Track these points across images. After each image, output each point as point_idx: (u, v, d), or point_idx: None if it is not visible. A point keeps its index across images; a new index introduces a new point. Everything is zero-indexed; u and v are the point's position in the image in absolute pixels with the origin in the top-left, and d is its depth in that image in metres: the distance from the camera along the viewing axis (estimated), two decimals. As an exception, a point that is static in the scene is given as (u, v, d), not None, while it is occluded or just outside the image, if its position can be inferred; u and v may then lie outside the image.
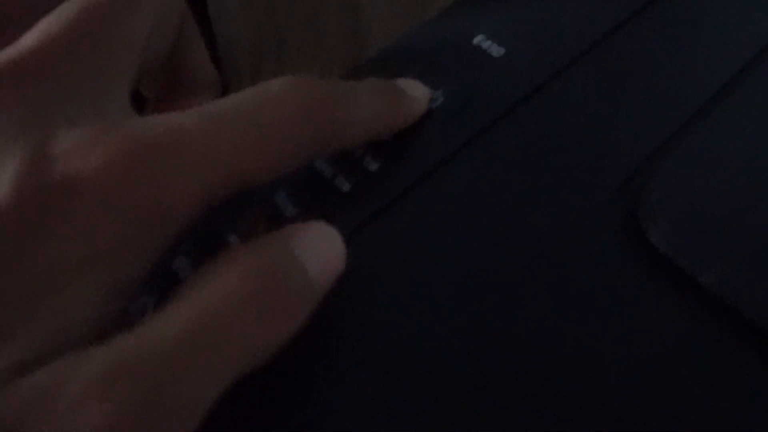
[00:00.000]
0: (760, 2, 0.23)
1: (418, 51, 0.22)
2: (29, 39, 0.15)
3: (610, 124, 0.19)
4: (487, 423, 0.14)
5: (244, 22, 0.32)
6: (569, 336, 0.15)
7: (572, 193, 0.18)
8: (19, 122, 0.14)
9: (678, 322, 0.16)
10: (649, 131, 0.19)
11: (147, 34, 0.17)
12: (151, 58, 0.18)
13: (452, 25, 0.23)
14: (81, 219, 0.13)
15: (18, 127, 0.14)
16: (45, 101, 0.14)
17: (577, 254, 0.17)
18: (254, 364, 0.14)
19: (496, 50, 0.22)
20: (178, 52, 0.19)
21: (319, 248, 0.16)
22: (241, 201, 0.18)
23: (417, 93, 0.19)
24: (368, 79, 0.18)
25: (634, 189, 0.18)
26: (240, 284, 0.13)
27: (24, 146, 0.13)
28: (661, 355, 0.15)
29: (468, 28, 0.22)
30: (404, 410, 0.15)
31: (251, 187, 0.15)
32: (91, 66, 0.15)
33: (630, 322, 0.16)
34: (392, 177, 0.18)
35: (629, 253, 0.17)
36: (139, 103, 0.21)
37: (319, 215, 0.17)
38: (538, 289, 0.16)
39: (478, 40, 0.22)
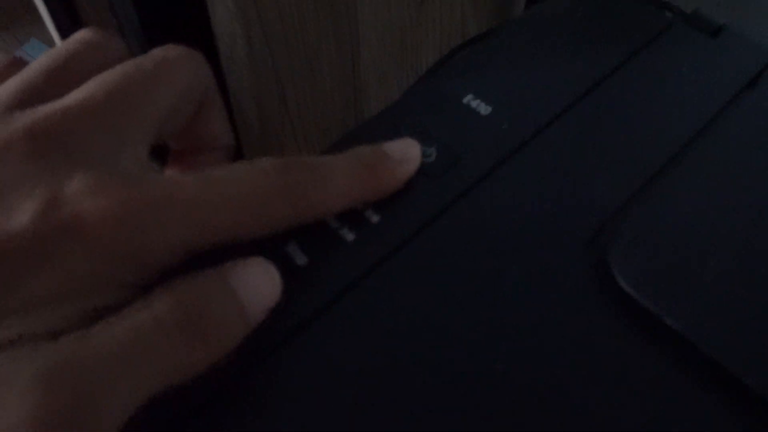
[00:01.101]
0: (719, 66, 0.25)
1: (413, 110, 0.24)
2: (72, 97, 0.18)
3: (583, 179, 0.22)
4: None
5: (250, 74, 0.35)
6: (546, 374, 0.17)
7: (550, 243, 0.20)
8: (46, 167, 0.16)
9: (644, 359, 0.18)
10: (618, 186, 0.21)
11: (172, 103, 0.20)
12: (174, 122, 0.20)
13: (444, 85, 0.25)
14: (76, 256, 0.15)
15: (44, 171, 0.16)
16: (72, 150, 0.17)
17: (554, 297, 0.19)
18: (180, 380, 0.16)
19: (484, 109, 0.24)
20: (201, 118, 0.21)
21: (255, 281, 0.18)
22: (255, 250, 0.20)
23: (411, 153, 0.21)
24: (355, 150, 0.21)
25: (605, 238, 0.20)
26: (170, 310, 0.16)
27: (45, 187, 0.16)
28: (629, 390, 0.17)
29: (458, 88, 0.25)
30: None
31: (228, 243, 0.18)
32: (117, 126, 0.18)
33: (600, 359, 0.18)
34: (392, 229, 0.20)
35: (601, 296, 0.19)
36: (163, 153, 0.24)
37: (327, 264, 0.20)
38: (520, 327, 0.18)
39: (467, 99, 0.24)
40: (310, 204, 0.19)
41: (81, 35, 0.20)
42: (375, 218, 0.21)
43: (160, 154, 0.31)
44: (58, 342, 0.15)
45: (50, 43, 0.68)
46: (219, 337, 0.17)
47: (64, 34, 0.28)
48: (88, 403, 0.14)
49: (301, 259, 0.20)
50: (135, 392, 0.15)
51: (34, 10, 0.75)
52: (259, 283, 0.18)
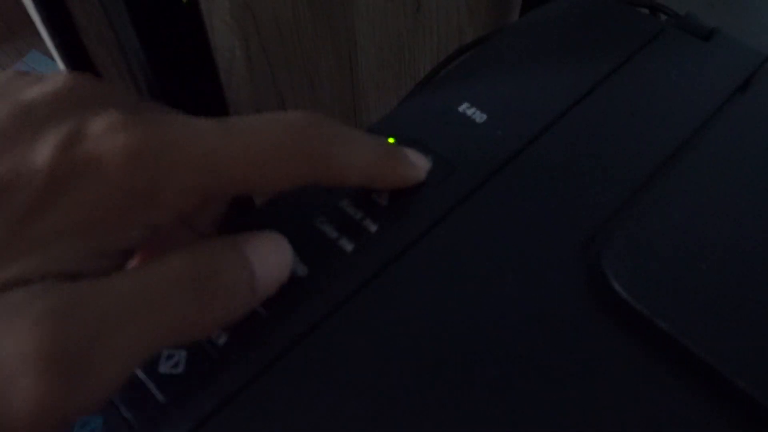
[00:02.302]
0: (710, 69, 0.26)
1: (411, 118, 0.25)
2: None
3: (577, 185, 0.22)
4: None
5: (249, 87, 0.35)
6: (540, 375, 0.18)
7: (545, 248, 0.20)
8: (76, 105, 0.17)
9: (636, 361, 0.18)
10: (612, 191, 0.22)
11: None
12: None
13: (441, 94, 0.26)
14: (94, 190, 0.16)
15: (73, 108, 0.17)
16: (102, 97, 0.17)
17: (549, 301, 0.19)
18: (183, 341, 0.16)
19: (479, 117, 0.24)
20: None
21: (268, 254, 0.18)
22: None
23: (419, 163, 0.22)
24: (380, 137, 0.21)
25: (599, 243, 0.20)
26: (185, 266, 0.16)
27: (70, 123, 0.16)
28: (620, 391, 0.17)
29: (454, 97, 0.25)
30: None
31: (242, 194, 0.18)
32: None
33: (592, 360, 0.18)
34: (390, 239, 0.21)
35: (595, 299, 0.19)
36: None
37: (328, 276, 0.20)
38: (516, 332, 0.19)
39: (463, 107, 0.25)
40: (329, 169, 0.19)
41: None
42: (373, 228, 0.21)
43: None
44: (75, 283, 0.15)
45: (49, 54, 0.69)
46: (228, 301, 0.17)
47: (63, 49, 0.29)
48: (97, 344, 0.14)
49: (302, 270, 0.20)
50: (142, 341, 0.15)
51: (34, 23, 0.76)
52: (271, 256, 0.18)
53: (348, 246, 0.21)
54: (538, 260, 0.20)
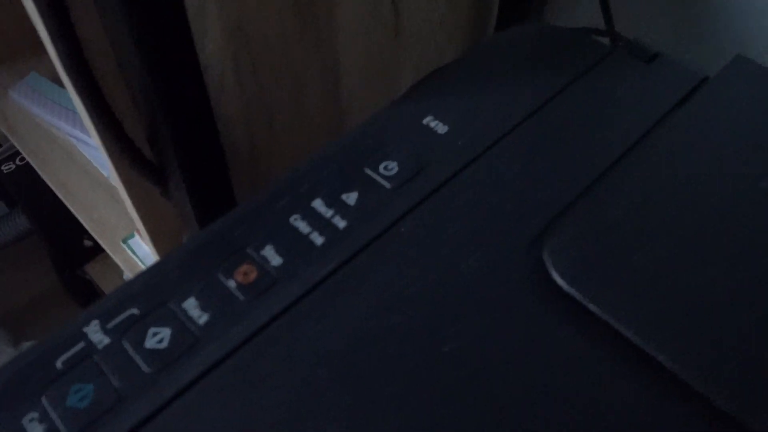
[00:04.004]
0: (651, 88, 0.28)
1: (381, 128, 0.27)
2: None
3: (527, 189, 0.25)
4: None
5: (239, 102, 0.38)
6: (485, 359, 0.20)
7: (498, 243, 0.23)
8: None
9: (572, 343, 0.20)
10: (559, 193, 0.24)
11: None
12: None
13: (407, 108, 0.28)
14: None
15: None
16: None
17: (498, 287, 0.22)
18: None
19: (442, 128, 0.27)
20: None
21: None
22: (237, 251, 0.23)
23: None
24: None
25: (544, 238, 0.23)
26: None
27: None
28: (557, 374, 0.20)
29: (419, 110, 0.28)
30: None
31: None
32: None
33: (531, 343, 0.20)
34: (357, 233, 0.23)
35: (537, 287, 0.21)
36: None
37: (299, 265, 0.22)
38: (466, 320, 0.21)
39: (427, 120, 0.27)
40: None
41: None
42: (342, 224, 0.24)
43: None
44: None
45: (49, 75, 0.72)
46: None
47: (70, 67, 0.31)
48: None
49: (276, 261, 0.23)
50: None
51: (34, 44, 0.78)
52: None
53: (318, 240, 0.23)
54: (491, 253, 0.23)
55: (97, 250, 0.88)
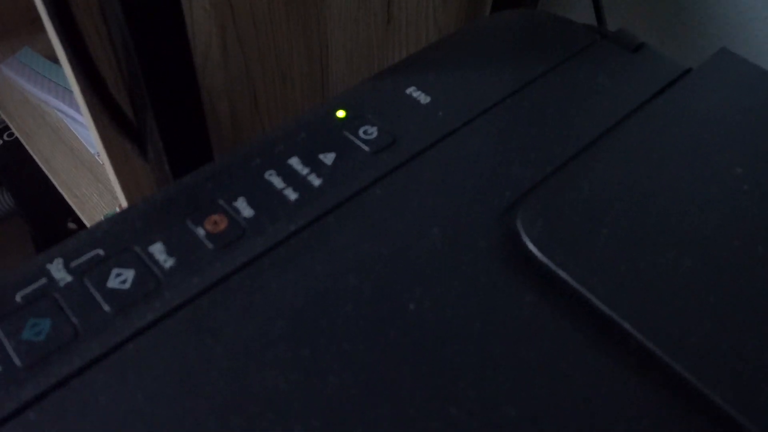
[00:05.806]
0: (634, 76, 0.29)
1: (364, 96, 0.27)
2: None
3: (503, 162, 0.25)
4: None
5: (224, 74, 0.38)
6: (455, 325, 0.20)
7: (471, 210, 0.23)
8: None
9: (539, 308, 0.20)
10: (533, 168, 0.24)
11: None
12: None
13: (392, 78, 0.28)
14: None
15: None
16: None
17: (470, 254, 0.21)
18: None
19: (424, 99, 0.27)
20: None
21: None
22: (209, 202, 0.22)
23: None
24: None
25: (516, 207, 0.23)
26: None
27: None
28: (528, 341, 0.20)
29: (403, 81, 0.28)
30: None
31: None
32: None
33: (502, 311, 0.20)
34: (330, 192, 0.23)
35: (510, 254, 0.21)
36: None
37: (270, 219, 0.22)
38: (436, 280, 0.21)
39: (410, 90, 0.27)
40: None
41: None
42: (317, 182, 0.23)
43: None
44: None
45: (44, 52, 0.71)
46: None
47: (66, 40, 0.31)
48: None
49: (248, 212, 0.22)
50: None
51: (32, 21, 0.78)
52: None
53: (292, 196, 0.23)
54: (463, 220, 0.22)
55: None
